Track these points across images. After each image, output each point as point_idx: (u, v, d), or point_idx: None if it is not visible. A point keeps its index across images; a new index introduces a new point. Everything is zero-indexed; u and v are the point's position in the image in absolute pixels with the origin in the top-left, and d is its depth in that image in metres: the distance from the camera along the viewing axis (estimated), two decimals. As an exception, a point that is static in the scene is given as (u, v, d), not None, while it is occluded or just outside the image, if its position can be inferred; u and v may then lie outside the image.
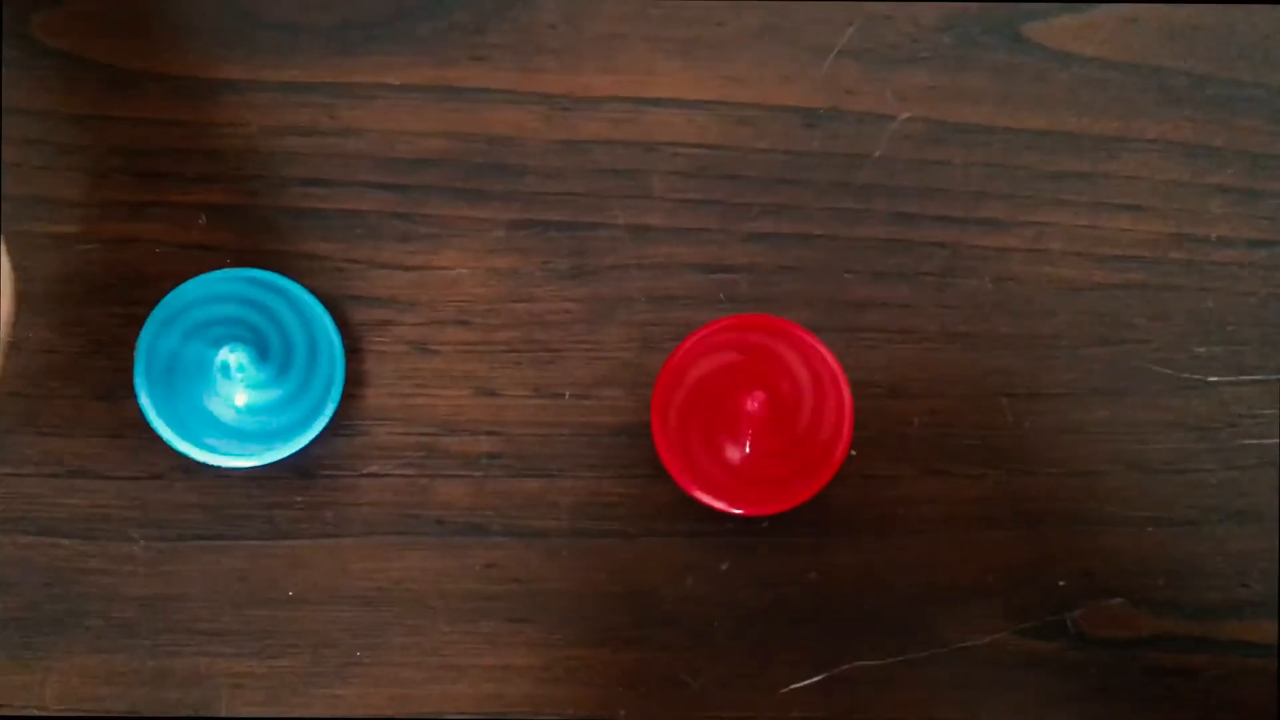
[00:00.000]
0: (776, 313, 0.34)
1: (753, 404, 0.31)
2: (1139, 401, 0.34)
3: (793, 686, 0.34)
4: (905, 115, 0.34)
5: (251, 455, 0.32)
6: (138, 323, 0.34)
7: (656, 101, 0.34)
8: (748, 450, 0.32)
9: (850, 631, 0.34)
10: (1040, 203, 0.34)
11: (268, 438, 0.32)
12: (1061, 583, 0.34)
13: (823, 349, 0.31)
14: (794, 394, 0.32)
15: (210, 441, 0.32)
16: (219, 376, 0.32)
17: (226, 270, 0.32)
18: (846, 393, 0.31)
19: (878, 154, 0.34)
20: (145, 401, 0.32)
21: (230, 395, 0.32)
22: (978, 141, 0.34)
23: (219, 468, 0.32)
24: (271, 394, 0.33)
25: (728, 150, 0.34)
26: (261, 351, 0.32)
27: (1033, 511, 0.34)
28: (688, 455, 0.32)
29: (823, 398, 0.32)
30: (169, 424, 0.32)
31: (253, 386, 0.32)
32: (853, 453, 0.33)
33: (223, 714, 0.34)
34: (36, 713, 0.34)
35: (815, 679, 0.34)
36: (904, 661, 0.33)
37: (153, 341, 0.32)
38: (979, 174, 0.34)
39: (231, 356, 0.31)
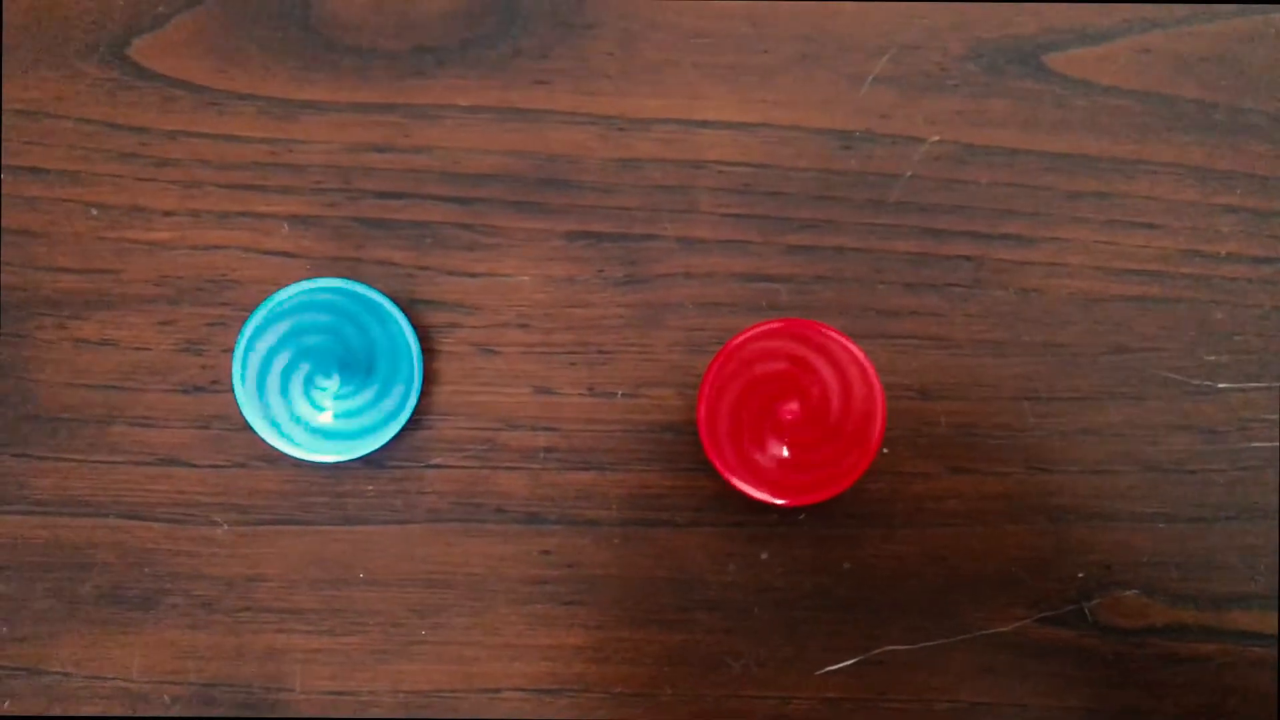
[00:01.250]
0: (815, 319, 0.36)
1: (789, 412, 0.33)
2: (1152, 406, 0.36)
3: (828, 669, 0.36)
4: (935, 138, 0.37)
5: (337, 452, 0.35)
6: (224, 323, 0.36)
7: (704, 123, 0.37)
8: (785, 454, 0.34)
9: (882, 617, 0.36)
10: (1060, 220, 0.37)
11: (351, 437, 0.35)
12: (1080, 574, 0.36)
13: (856, 350, 0.34)
14: (830, 393, 0.34)
15: (298, 439, 0.35)
16: (308, 386, 0.35)
17: (318, 281, 0.35)
18: (878, 389, 0.33)
19: (909, 174, 0.37)
20: (241, 399, 0.34)
21: (318, 401, 0.35)
22: (1002, 163, 0.37)
23: (301, 460, 0.35)
24: (354, 401, 0.35)
25: (770, 169, 0.37)
26: (346, 361, 0.35)
27: (1053, 507, 0.36)
28: (731, 450, 0.34)
29: (857, 396, 0.34)
30: (263, 421, 0.34)
31: (338, 397, 0.35)
32: (885, 450, 0.36)
33: (296, 687, 0.36)
34: (124, 683, 0.36)
35: (849, 662, 0.36)
36: (932, 646, 0.36)
37: (249, 344, 0.34)
38: (1003, 193, 0.37)
39: (327, 382, 0.34)
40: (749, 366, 0.34)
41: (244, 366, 0.34)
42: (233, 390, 0.34)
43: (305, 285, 0.34)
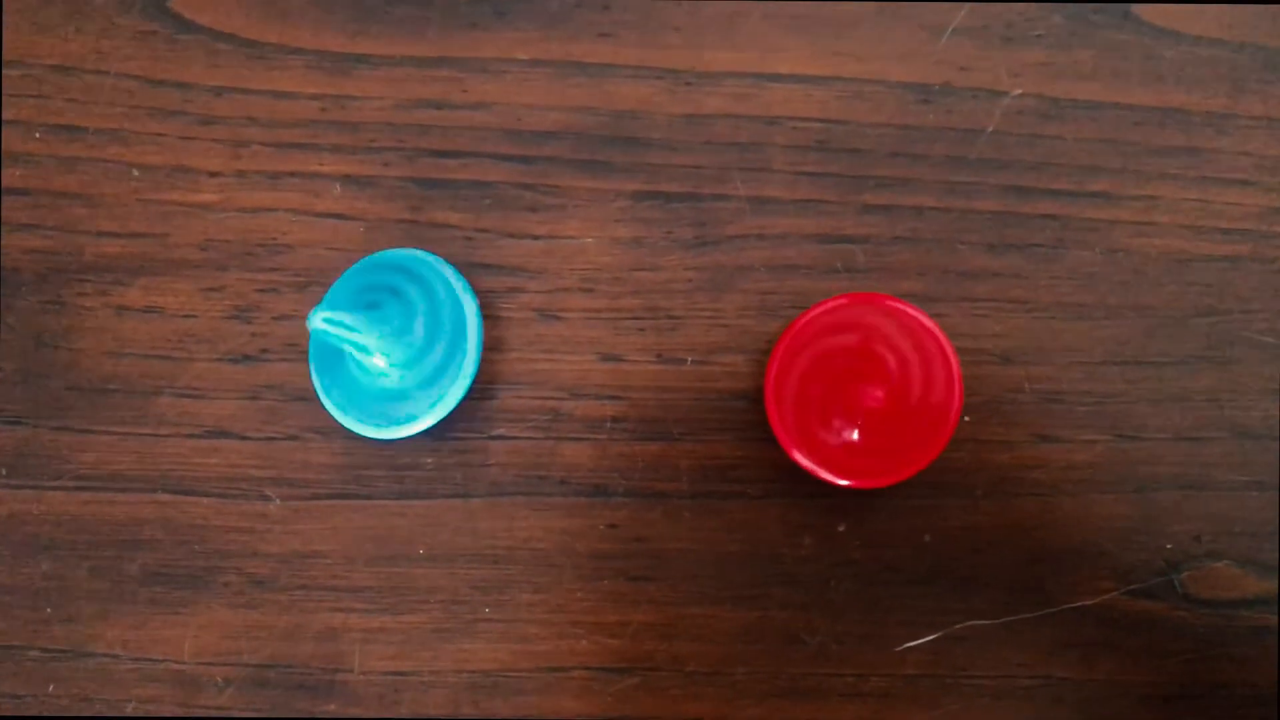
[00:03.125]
0: (891, 282, 0.35)
1: (859, 393, 0.32)
2: (1243, 370, 0.35)
3: (907, 645, 0.35)
4: (1017, 91, 0.35)
5: (397, 426, 0.33)
6: (275, 289, 0.35)
7: (776, 77, 0.35)
8: (855, 437, 0.33)
9: (963, 592, 0.35)
10: (1149, 177, 0.35)
11: (412, 410, 0.33)
12: (1169, 545, 0.34)
13: (934, 326, 0.32)
14: (905, 371, 0.33)
15: (361, 413, 0.33)
16: (368, 362, 0.33)
17: (386, 253, 0.33)
18: (956, 370, 0.32)
19: (991, 129, 0.35)
20: (316, 380, 0.33)
21: (377, 370, 0.33)
22: (1088, 117, 0.35)
23: (353, 431, 0.33)
24: (414, 374, 0.33)
25: (845, 124, 0.35)
26: (405, 330, 0.33)
27: (1141, 476, 0.35)
28: (798, 429, 0.33)
29: (933, 374, 0.33)
30: (329, 398, 0.33)
31: (396, 365, 0.33)
32: (966, 418, 0.35)
33: (354, 668, 0.35)
34: (175, 665, 0.35)
35: (929, 638, 0.35)
36: (1016, 621, 0.34)
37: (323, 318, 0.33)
38: (1089, 149, 0.35)
39: (378, 360, 0.32)
40: (818, 343, 0.33)
41: (319, 346, 0.32)
42: (309, 363, 0.32)
43: (374, 258, 0.32)
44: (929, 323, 0.32)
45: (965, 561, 0.35)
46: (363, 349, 0.32)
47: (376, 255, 0.33)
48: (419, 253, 0.33)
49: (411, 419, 0.33)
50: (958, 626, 0.34)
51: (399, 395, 0.33)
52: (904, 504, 0.35)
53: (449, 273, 0.33)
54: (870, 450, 0.33)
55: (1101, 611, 0.34)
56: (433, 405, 0.33)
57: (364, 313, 0.31)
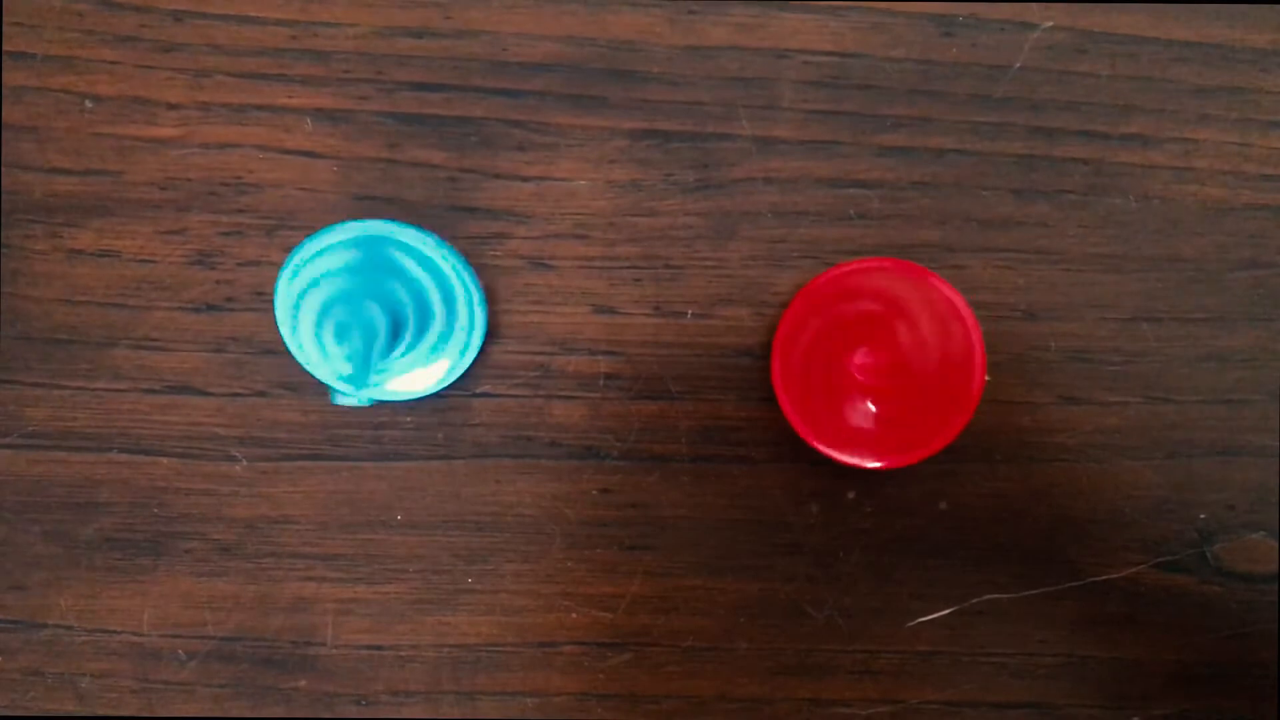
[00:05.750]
0: (908, 230, 0.32)
1: (873, 365, 0.30)
2: (1285, 328, 0.32)
3: (921, 619, 0.32)
4: (1048, 24, 0.32)
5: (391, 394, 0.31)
6: (240, 231, 0.32)
7: (787, 5, 0.32)
8: (872, 408, 0.31)
9: (982, 563, 0.32)
10: (1188, 119, 0.32)
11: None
12: (1202, 515, 0.32)
13: (954, 295, 0.30)
14: (923, 344, 0.30)
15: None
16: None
17: (377, 223, 0.30)
18: (978, 339, 0.30)
19: (1018, 65, 0.32)
20: (288, 337, 0.30)
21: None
22: (1123, 53, 0.32)
23: (327, 385, 0.31)
24: (411, 355, 0.31)
25: (861, 59, 0.32)
26: (397, 323, 0.30)
27: (1173, 441, 0.32)
28: (806, 399, 0.30)
29: (954, 350, 0.30)
30: (302, 354, 0.30)
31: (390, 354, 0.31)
32: (987, 378, 0.32)
33: (327, 641, 0.32)
34: (133, 637, 0.32)
35: (945, 612, 0.32)
36: (1038, 595, 0.32)
37: (289, 284, 0.30)
38: (1124, 87, 0.32)
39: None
40: (829, 308, 0.31)
41: (289, 305, 0.30)
42: (279, 329, 0.30)
43: (343, 230, 0.29)
44: (955, 296, 0.30)
45: (983, 531, 0.32)
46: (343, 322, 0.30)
47: (352, 226, 0.30)
48: (402, 234, 0.30)
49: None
50: (975, 600, 0.32)
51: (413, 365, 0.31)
52: (918, 470, 0.32)
53: (431, 247, 0.30)
54: (887, 424, 0.30)
55: (1128, 585, 0.32)
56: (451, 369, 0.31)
57: (384, 352, 0.29)
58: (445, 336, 0.31)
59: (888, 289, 0.30)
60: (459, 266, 0.30)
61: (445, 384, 0.31)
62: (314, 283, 0.29)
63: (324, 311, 0.29)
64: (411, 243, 0.29)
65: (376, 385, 0.30)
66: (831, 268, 0.31)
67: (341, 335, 0.29)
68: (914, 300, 0.30)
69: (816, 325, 0.31)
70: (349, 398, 0.29)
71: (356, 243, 0.29)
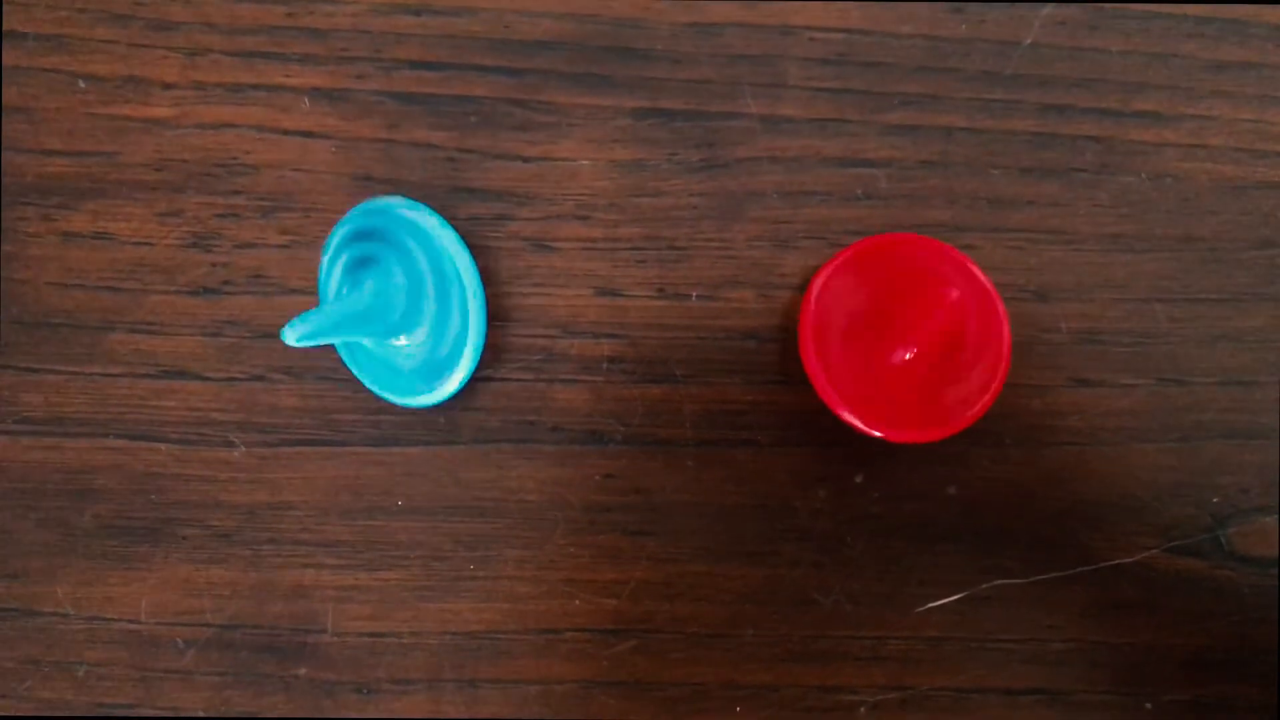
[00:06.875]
0: (917, 210, 0.32)
1: (900, 338, 0.30)
2: (1300, 309, 0.32)
3: (929, 605, 0.32)
4: (1059, -1, 0.32)
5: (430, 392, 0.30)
6: (237, 213, 0.32)
7: (792, -18, 0.32)
8: (904, 381, 0.30)
9: (991, 548, 0.32)
10: (1201, 95, 0.32)
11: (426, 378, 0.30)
12: (1215, 498, 0.32)
13: (982, 276, 0.29)
14: (947, 318, 0.30)
15: (398, 390, 0.30)
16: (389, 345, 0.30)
17: (390, 201, 0.29)
18: (1004, 319, 0.29)
19: (1029, 41, 0.32)
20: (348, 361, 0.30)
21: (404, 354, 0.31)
22: (1136, 28, 0.32)
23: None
24: (428, 344, 0.30)
25: (869, 35, 0.32)
26: (410, 317, 0.30)
27: (1186, 424, 0.32)
28: (831, 369, 0.30)
29: (978, 320, 0.30)
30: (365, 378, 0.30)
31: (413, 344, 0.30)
32: (997, 360, 0.32)
33: (327, 629, 0.32)
34: (130, 625, 0.32)
35: (954, 598, 0.32)
36: (1047, 580, 0.32)
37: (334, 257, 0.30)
38: (1136, 63, 0.32)
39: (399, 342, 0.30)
40: (852, 288, 0.30)
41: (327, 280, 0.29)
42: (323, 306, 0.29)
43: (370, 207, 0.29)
44: (973, 266, 0.30)
45: (993, 516, 0.32)
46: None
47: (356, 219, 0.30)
48: (397, 207, 0.29)
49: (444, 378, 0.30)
50: (984, 586, 0.32)
51: (427, 364, 0.30)
52: (927, 453, 0.32)
53: (426, 220, 0.29)
54: (908, 400, 0.30)
55: (1140, 570, 0.32)
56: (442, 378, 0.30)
57: (350, 327, 0.28)
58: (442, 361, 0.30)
59: (936, 268, 0.30)
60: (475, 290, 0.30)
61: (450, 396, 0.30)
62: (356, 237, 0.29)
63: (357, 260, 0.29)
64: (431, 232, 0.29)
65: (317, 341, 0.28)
66: (869, 236, 0.30)
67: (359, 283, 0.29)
68: (955, 280, 0.30)
69: (857, 292, 0.30)
70: (303, 341, 0.27)
71: (393, 220, 0.29)
